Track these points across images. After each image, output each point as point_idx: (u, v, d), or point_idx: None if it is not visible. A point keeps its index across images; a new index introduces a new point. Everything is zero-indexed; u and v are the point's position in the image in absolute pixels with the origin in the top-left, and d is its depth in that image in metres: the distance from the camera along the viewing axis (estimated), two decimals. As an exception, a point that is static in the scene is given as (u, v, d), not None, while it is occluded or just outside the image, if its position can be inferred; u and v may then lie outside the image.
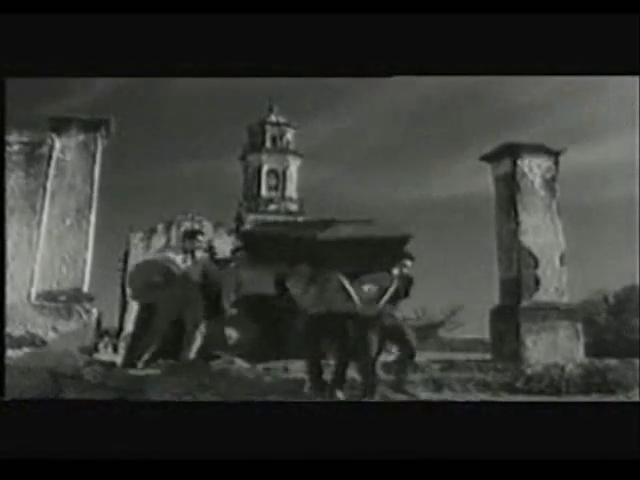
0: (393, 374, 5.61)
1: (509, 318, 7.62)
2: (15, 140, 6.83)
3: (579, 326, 7.72)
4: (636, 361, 7.22)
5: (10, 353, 5.69)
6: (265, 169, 44.68)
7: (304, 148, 46.80)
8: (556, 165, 8.28)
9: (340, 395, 5.24)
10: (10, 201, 6.55)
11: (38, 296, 6.52)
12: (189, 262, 6.34)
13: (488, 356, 7.89)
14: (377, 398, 5.28)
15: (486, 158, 8.54)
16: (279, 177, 44.77)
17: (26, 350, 6.02)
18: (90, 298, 6.77)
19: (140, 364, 6.11)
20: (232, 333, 7.09)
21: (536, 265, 7.79)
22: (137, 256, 40.61)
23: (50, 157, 6.96)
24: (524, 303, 7.60)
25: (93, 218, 7.05)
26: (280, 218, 41.72)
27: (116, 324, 39.18)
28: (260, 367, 6.25)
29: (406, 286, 5.57)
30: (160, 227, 42.23)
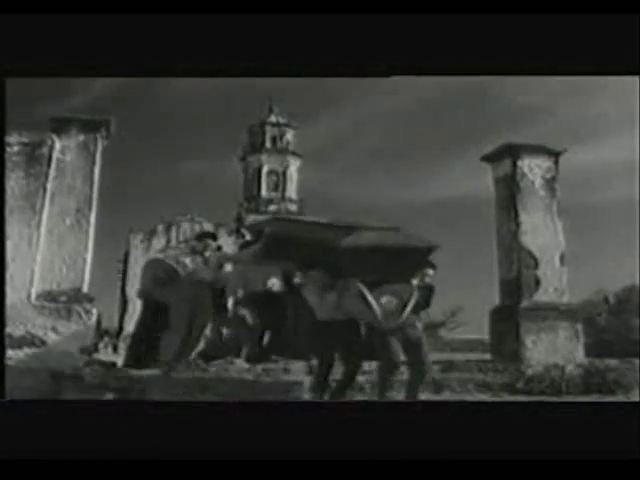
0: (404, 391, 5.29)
1: (509, 318, 7.62)
2: (15, 141, 6.83)
3: (579, 326, 7.73)
4: (636, 361, 7.23)
5: (10, 353, 5.69)
6: (265, 170, 44.68)
7: (304, 148, 46.76)
8: (556, 165, 8.29)
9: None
10: (10, 201, 6.55)
11: (38, 296, 6.52)
12: (198, 263, 6.18)
13: (488, 356, 7.89)
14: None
15: (486, 158, 8.55)
16: (279, 178, 44.77)
17: (26, 350, 6.03)
18: (90, 298, 6.78)
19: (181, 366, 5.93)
20: (233, 332, 6.95)
21: (536, 265, 7.79)
22: (137, 257, 40.60)
23: (50, 157, 6.96)
24: (524, 303, 7.60)
25: (93, 218, 7.06)
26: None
27: (116, 324, 39.15)
28: (260, 368, 6.25)
29: (427, 296, 5.34)
30: (160, 228, 42.21)
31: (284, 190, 44.34)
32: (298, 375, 6.15)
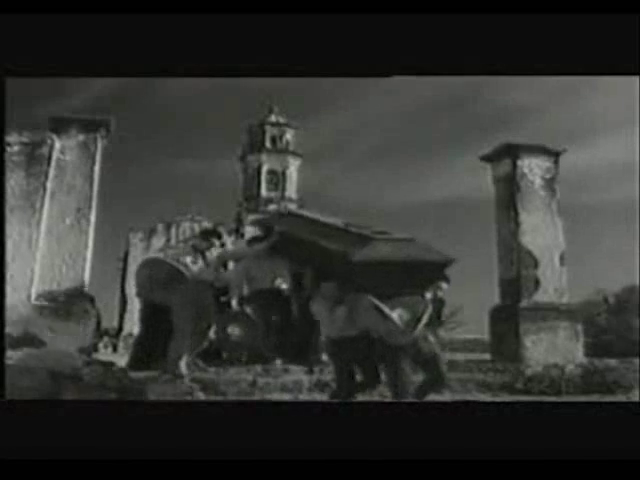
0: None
1: (509, 318, 7.63)
2: (15, 140, 6.84)
3: (579, 326, 7.74)
4: (636, 361, 7.23)
5: (10, 353, 5.69)
6: (265, 169, 44.69)
7: (304, 148, 46.75)
8: (556, 165, 8.30)
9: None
10: (10, 201, 6.55)
11: (38, 296, 6.53)
12: (200, 262, 5.86)
13: (488, 356, 7.89)
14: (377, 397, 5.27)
15: (486, 158, 8.56)
16: (279, 177, 44.77)
17: (26, 350, 6.02)
18: (90, 298, 6.78)
19: (183, 369, 5.72)
20: (235, 330, 6.77)
21: (536, 265, 7.80)
22: (137, 256, 40.61)
23: (50, 157, 6.97)
24: (524, 303, 7.61)
25: (93, 218, 7.07)
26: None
27: (116, 324, 39.17)
28: (259, 368, 6.25)
29: (439, 309, 5.10)
30: (160, 227, 42.22)
31: (284, 190, 44.34)
32: (298, 375, 6.15)
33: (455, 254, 5.34)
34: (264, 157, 44.71)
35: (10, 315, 5.92)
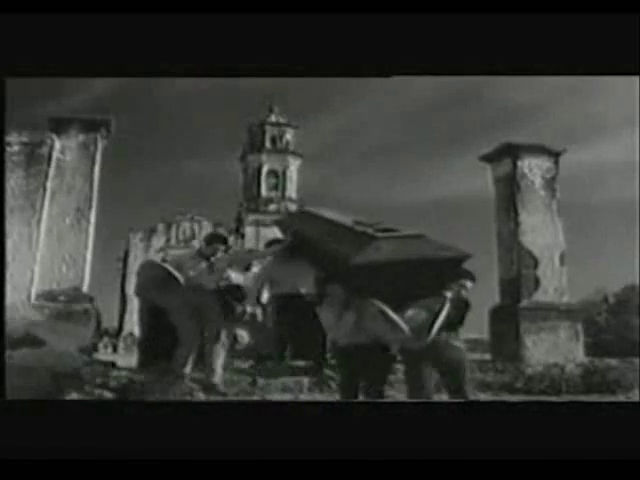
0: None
1: (509, 318, 7.63)
2: (15, 140, 6.84)
3: (579, 326, 7.73)
4: (636, 361, 7.23)
5: (10, 353, 5.69)
6: (265, 169, 44.68)
7: (304, 148, 46.76)
8: (556, 165, 8.30)
9: None
10: (10, 201, 6.56)
11: (38, 296, 6.53)
12: (202, 267, 5.60)
13: (488, 356, 7.89)
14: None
15: (486, 158, 8.56)
16: (279, 177, 44.76)
17: (26, 350, 6.02)
18: (90, 298, 6.79)
19: (186, 371, 5.63)
20: (244, 335, 6.48)
21: (536, 265, 7.80)
22: (137, 256, 40.65)
23: (50, 157, 6.98)
24: (524, 303, 7.61)
25: (93, 218, 7.07)
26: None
27: (116, 324, 39.19)
28: (259, 368, 6.25)
29: (462, 311, 4.69)
30: (160, 227, 42.24)
31: (284, 190, 44.35)
32: (298, 375, 6.14)
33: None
34: (264, 157, 44.71)
35: (10, 315, 5.91)
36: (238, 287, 5.96)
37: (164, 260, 6.29)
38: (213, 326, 5.61)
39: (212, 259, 5.65)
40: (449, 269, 4.76)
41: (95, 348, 7.28)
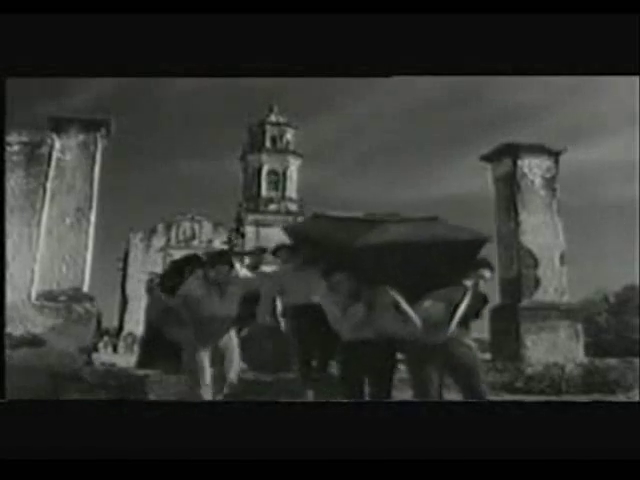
0: None
1: (509, 318, 7.63)
2: (15, 140, 6.83)
3: (579, 326, 7.73)
4: (636, 361, 7.23)
5: (10, 353, 5.69)
6: (265, 169, 44.68)
7: (304, 148, 46.75)
8: (556, 165, 8.30)
9: None
10: (10, 201, 6.55)
11: (38, 296, 6.53)
12: (214, 296, 5.16)
13: (488, 356, 7.89)
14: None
15: (486, 158, 8.56)
16: (279, 177, 44.75)
17: (26, 350, 6.02)
18: (90, 298, 6.78)
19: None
20: (269, 350, 6.14)
21: (536, 265, 7.80)
22: (137, 256, 40.69)
23: (50, 157, 6.97)
24: (524, 303, 7.61)
25: (93, 218, 7.07)
26: (280, 218, 41.86)
27: (116, 324, 39.18)
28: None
29: (479, 305, 4.26)
30: (160, 227, 42.25)
31: (284, 189, 44.34)
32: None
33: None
34: (264, 157, 44.71)
35: (10, 315, 5.92)
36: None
37: (172, 289, 5.85)
38: (232, 355, 5.26)
39: (221, 284, 5.22)
40: (467, 254, 4.29)
41: (95, 348, 7.26)
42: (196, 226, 42.52)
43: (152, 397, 5.32)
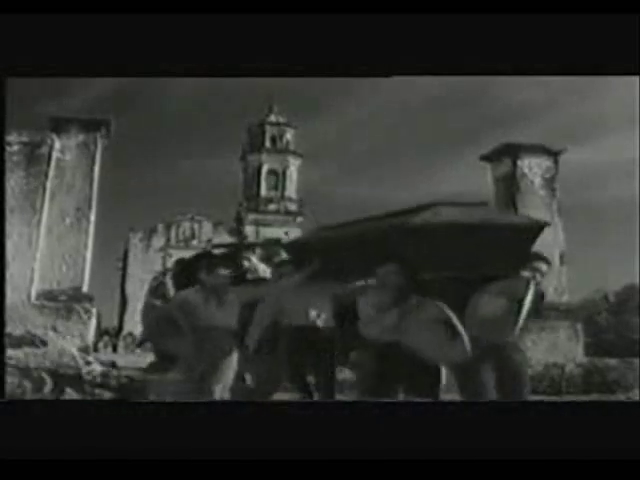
0: None
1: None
2: (15, 140, 6.84)
3: (579, 326, 7.73)
4: (636, 361, 7.23)
5: (10, 353, 5.69)
6: (265, 169, 44.70)
7: (304, 148, 46.76)
8: (556, 165, 8.31)
9: None
10: (10, 200, 6.56)
11: (38, 296, 6.54)
12: (212, 304, 4.84)
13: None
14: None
15: (486, 158, 8.57)
16: (279, 177, 44.76)
17: (26, 350, 6.03)
18: (90, 298, 6.79)
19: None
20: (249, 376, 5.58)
21: (536, 265, 7.79)
22: (137, 255, 40.70)
23: (50, 157, 6.98)
24: (524, 303, 7.60)
25: (93, 218, 7.07)
26: (280, 218, 41.85)
27: (116, 324, 39.18)
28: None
29: (537, 303, 3.78)
30: (160, 227, 42.26)
31: (284, 189, 44.36)
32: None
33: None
34: (264, 157, 44.73)
35: (10, 315, 5.92)
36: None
37: (164, 297, 5.41)
38: (225, 368, 4.84)
39: (220, 291, 4.89)
40: (523, 240, 3.87)
41: (95, 348, 7.26)
42: (196, 226, 42.56)
43: (152, 397, 5.31)
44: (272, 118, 46.03)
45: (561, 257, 7.96)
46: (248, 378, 5.52)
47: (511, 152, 8.15)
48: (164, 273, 6.33)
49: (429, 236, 3.69)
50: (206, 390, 4.67)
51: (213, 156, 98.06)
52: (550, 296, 7.75)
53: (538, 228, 3.95)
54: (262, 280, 5.87)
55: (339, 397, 5.23)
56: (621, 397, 6.22)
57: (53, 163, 7.00)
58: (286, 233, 36.61)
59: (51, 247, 6.76)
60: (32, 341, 6.14)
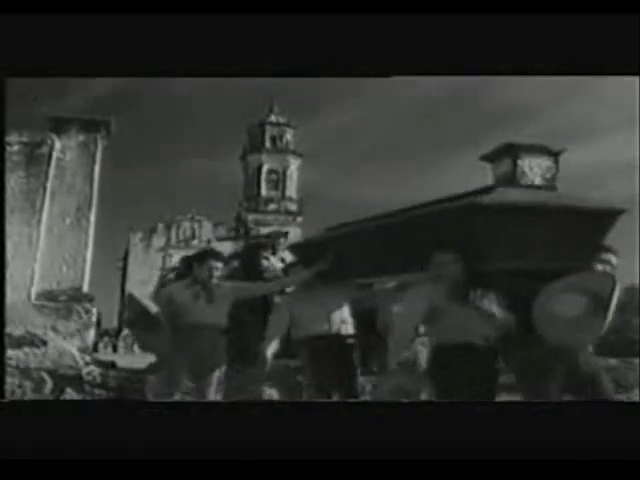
0: None
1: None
2: (15, 140, 6.84)
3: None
4: (636, 361, 7.22)
5: (10, 353, 5.69)
6: (265, 169, 44.74)
7: (304, 148, 46.79)
8: (556, 165, 8.30)
9: None
10: (10, 200, 6.55)
11: (38, 296, 6.54)
12: (201, 299, 4.53)
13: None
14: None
15: (486, 158, 8.57)
16: (279, 177, 44.79)
17: (26, 350, 6.03)
18: (90, 298, 6.79)
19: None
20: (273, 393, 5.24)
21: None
22: (137, 255, 40.70)
23: (50, 157, 6.98)
24: (524, 303, 7.58)
25: (93, 218, 7.08)
26: (280, 218, 41.87)
27: (116, 324, 39.17)
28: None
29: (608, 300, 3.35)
30: (160, 227, 42.26)
31: (284, 189, 44.38)
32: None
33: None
34: (264, 157, 44.77)
35: (10, 315, 5.91)
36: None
37: (158, 290, 5.09)
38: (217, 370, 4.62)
39: (210, 285, 4.60)
40: (598, 228, 3.48)
41: (95, 348, 7.26)
42: (196, 226, 42.59)
43: (152, 397, 5.31)
44: (272, 118, 46.05)
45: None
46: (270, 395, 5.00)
47: (511, 152, 8.15)
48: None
49: (497, 220, 3.23)
50: (193, 390, 4.51)
51: (213, 156, 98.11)
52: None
53: (615, 214, 3.54)
54: (261, 277, 5.70)
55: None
56: (621, 397, 6.21)
57: (53, 163, 7.00)
58: (286, 233, 36.61)
59: (51, 247, 6.76)
60: (32, 341, 6.14)
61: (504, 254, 3.28)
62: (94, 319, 6.78)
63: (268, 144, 45.02)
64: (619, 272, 3.75)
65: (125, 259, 41.44)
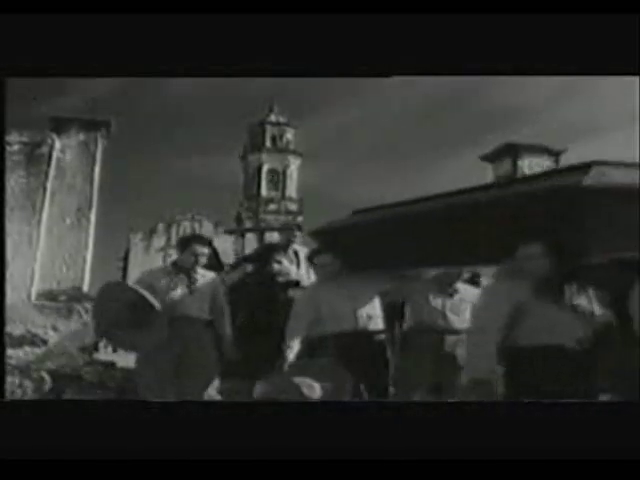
0: None
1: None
2: (15, 140, 6.84)
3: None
4: (636, 361, 7.21)
5: (10, 353, 5.69)
6: (265, 169, 44.75)
7: (304, 147, 46.80)
8: (556, 165, 8.30)
9: None
10: (10, 200, 6.56)
11: (38, 295, 6.54)
12: (184, 288, 4.23)
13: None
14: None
15: (486, 158, 8.57)
16: (279, 177, 44.81)
17: (26, 349, 6.03)
18: (90, 297, 6.78)
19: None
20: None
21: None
22: (137, 255, 40.69)
23: (50, 157, 6.98)
24: (524, 303, 7.58)
25: (93, 217, 7.08)
26: (280, 218, 41.88)
27: (116, 324, 39.15)
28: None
29: None
30: (160, 227, 42.27)
31: (284, 189, 44.39)
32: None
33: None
34: (264, 156, 44.77)
35: (10, 314, 5.92)
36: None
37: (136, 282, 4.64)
38: (204, 371, 4.34)
39: (193, 274, 4.27)
40: None
41: (95, 348, 7.28)
42: (196, 226, 42.56)
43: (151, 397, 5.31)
44: (272, 118, 46.06)
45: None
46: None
47: (511, 152, 8.15)
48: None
49: (601, 205, 2.82)
50: (180, 388, 4.28)
51: (214, 156, 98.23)
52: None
53: None
54: (274, 281, 5.16)
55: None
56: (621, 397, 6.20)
57: (53, 163, 7.00)
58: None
59: (51, 247, 6.76)
60: (32, 340, 6.14)
61: (605, 244, 2.90)
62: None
63: (268, 144, 45.05)
64: None
65: (125, 259, 41.42)
